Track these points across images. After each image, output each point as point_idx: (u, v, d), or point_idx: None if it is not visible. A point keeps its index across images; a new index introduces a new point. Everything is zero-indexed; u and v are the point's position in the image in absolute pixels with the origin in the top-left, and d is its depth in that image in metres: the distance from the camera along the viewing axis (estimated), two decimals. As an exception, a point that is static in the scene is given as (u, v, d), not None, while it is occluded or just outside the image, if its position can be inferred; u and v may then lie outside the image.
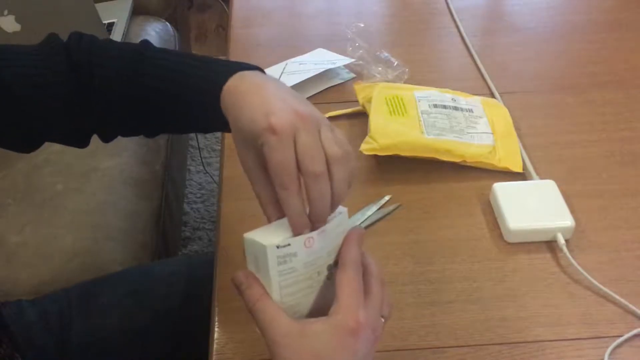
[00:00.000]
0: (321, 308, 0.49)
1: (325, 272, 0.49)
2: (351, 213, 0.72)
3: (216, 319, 0.63)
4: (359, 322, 0.45)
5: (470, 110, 0.82)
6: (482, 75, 0.94)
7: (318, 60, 0.96)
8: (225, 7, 2.47)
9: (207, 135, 1.96)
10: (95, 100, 0.59)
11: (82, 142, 0.64)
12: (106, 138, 0.64)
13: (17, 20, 1.20)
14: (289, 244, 0.46)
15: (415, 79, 0.91)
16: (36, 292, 0.92)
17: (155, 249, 1.10)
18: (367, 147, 0.77)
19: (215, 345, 0.61)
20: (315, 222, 0.46)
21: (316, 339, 0.44)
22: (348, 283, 0.46)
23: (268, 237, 0.46)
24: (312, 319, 0.46)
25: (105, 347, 0.77)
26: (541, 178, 0.75)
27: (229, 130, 0.53)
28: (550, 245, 0.69)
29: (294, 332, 0.45)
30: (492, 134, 0.80)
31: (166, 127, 0.64)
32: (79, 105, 0.59)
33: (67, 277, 0.97)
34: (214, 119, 0.54)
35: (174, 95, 0.57)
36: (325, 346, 0.44)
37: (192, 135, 1.58)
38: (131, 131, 0.63)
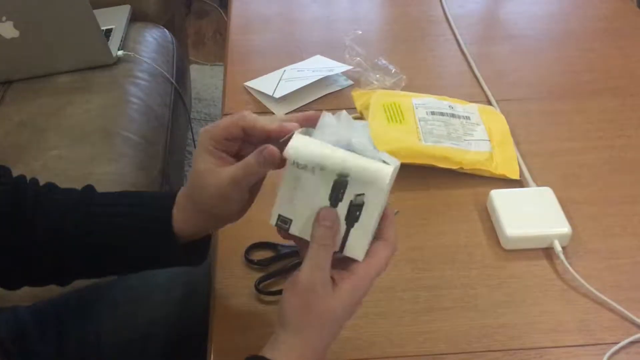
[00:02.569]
0: None
1: None
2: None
3: (214, 324, 0.63)
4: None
5: (468, 118, 0.83)
6: (479, 83, 0.94)
7: (316, 67, 0.96)
8: (223, 14, 2.47)
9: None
10: (37, 248, 0.58)
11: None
12: (12, 285, 0.62)
13: (16, 26, 1.20)
14: None
15: (413, 86, 0.91)
16: (33, 298, 0.91)
17: (152, 255, 1.10)
18: (365, 153, 0.77)
19: (213, 352, 0.61)
20: None
21: (363, 287, 0.50)
22: (390, 227, 0.53)
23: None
24: (356, 266, 0.50)
25: (103, 353, 0.77)
26: (538, 185, 0.75)
27: (187, 263, 0.59)
28: (547, 252, 0.69)
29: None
30: (489, 141, 0.80)
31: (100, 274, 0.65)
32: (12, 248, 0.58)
33: (63, 283, 0.96)
34: (169, 250, 0.57)
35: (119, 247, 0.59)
36: (366, 289, 0.50)
37: (189, 140, 1.58)
38: (46, 280, 0.63)
